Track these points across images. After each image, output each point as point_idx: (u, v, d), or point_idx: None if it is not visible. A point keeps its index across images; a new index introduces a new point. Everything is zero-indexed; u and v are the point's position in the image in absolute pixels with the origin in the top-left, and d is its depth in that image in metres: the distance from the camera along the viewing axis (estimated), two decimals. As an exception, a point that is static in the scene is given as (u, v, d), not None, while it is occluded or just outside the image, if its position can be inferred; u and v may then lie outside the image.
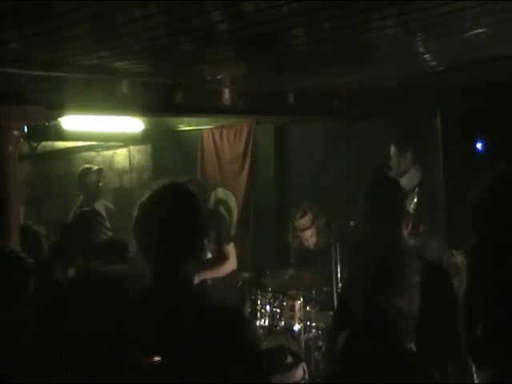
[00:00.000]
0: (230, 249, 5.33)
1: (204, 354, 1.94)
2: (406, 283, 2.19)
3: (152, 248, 2.08)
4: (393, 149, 5.74)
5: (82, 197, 6.79)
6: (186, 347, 1.95)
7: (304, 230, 5.79)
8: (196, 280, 4.81)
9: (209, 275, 5.12)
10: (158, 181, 2.21)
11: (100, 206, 6.67)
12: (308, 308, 5.37)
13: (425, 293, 2.22)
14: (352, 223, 5.26)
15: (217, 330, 1.99)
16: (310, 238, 5.82)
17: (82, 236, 3.42)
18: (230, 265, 5.34)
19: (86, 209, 5.75)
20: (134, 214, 2.13)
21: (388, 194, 3.10)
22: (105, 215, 5.86)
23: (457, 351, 2.40)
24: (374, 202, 3.06)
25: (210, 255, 5.19)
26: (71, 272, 3.34)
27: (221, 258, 5.25)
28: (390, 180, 3.34)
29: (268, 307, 5.46)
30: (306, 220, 5.77)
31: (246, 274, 5.93)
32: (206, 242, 2.17)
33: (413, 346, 2.18)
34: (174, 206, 2.10)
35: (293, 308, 5.40)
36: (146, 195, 2.15)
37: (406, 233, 3.01)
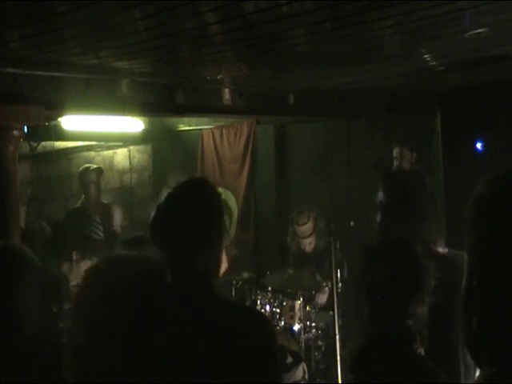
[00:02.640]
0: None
1: (220, 352, 1.94)
2: (425, 290, 2.18)
3: (171, 242, 2.07)
4: (396, 149, 5.74)
5: (83, 196, 6.79)
6: (204, 344, 1.96)
7: (305, 237, 5.78)
8: None
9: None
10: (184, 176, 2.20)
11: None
12: (308, 308, 5.37)
13: (438, 296, 2.21)
14: (352, 223, 5.26)
15: (234, 329, 1.99)
16: (309, 244, 5.81)
17: (74, 232, 3.43)
18: (222, 266, 5.34)
19: (76, 206, 5.74)
20: (156, 210, 2.12)
21: (414, 191, 3.05)
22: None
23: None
24: (398, 201, 3.00)
25: None
26: (66, 267, 3.34)
27: None
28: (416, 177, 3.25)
29: (268, 307, 5.46)
30: (307, 227, 5.75)
31: (245, 274, 5.94)
32: (225, 236, 2.17)
33: (422, 351, 2.16)
34: (193, 200, 2.10)
35: (293, 308, 5.40)
36: (171, 189, 2.14)
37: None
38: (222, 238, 2.13)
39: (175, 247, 2.06)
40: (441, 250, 3.05)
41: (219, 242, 2.12)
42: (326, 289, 5.48)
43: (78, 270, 3.39)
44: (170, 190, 2.14)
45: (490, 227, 1.17)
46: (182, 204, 2.10)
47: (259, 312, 3.55)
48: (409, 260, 2.20)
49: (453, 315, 2.22)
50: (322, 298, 5.50)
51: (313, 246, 5.81)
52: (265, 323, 2.13)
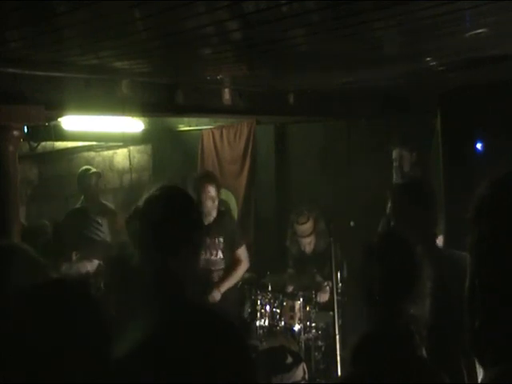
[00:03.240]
0: (243, 251, 5.35)
1: (194, 356, 1.93)
2: (422, 290, 2.17)
3: (144, 247, 2.08)
4: (396, 150, 5.74)
5: (82, 197, 6.79)
6: (177, 349, 1.95)
7: (305, 236, 5.78)
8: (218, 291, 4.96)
9: (230, 284, 5.18)
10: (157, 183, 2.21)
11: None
12: (308, 308, 5.37)
13: (437, 297, 2.20)
14: (352, 223, 5.26)
15: (207, 333, 1.98)
16: (309, 244, 5.81)
17: (74, 233, 3.42)
18: (244, 266, 5.38)
19: (77, 207, 5.74)
20: (128, 214, 2.14)
21: (420, 194, 3.10)
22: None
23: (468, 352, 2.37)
24: (404, 202, 3.05)
25: (221, 255, 5.20)
26: (66, 267, 3.33)
27: (234, 262, 5.28)
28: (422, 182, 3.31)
29: (268, 307, 5.46)
30: (307, 226, 5.74)
31: (245, 274, 5.93)
32: (201, 244, 2.19)
33: (423, 352, 2.16)
34: (166, 207, 2.10)
35: (293, 308, 5.40)
36: (144, 197, 2.15)
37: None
38: (194, 248, 2.13)
39: (149, 251, 2.07)
40: (442, 249, 3.06)
41: (191, 251, 2.11)
42: (327, 288, 5.49)
43: (77, 270, 3.39)
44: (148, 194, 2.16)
45: (492, 228, 1.18)
46: (155, 210, 2.09)
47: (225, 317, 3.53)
48: (406, 259, 2.20)
49: (454, 316, 2.22)
50: (323, 297, 5.51)
51: (312, 246, 5.81)
52: (232, 327, 2.12)
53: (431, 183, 3.23)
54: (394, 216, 3.12)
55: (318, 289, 5.55)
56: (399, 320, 2.13)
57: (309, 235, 5.75)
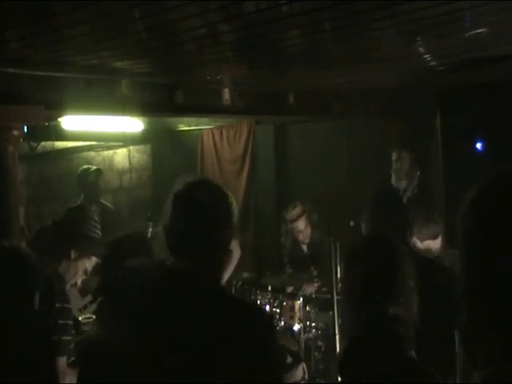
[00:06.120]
0: (235, 244, 5.46)
1: (227, 348, 1.95)
2: (397, 289, 2.15)
3: (184, 241, 2.11)
4: (396, 151, 5.75)
5: (82, 196, 6.79)
6: (210, 341, 1.96)
7: (296, 220, 5.81)
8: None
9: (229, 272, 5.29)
10: (189, 176, 2.25)
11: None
12: (308, 308, 5.37)
13: (424, 295, 2.20)
14: (352, 223, 5.26)
15: (242, 326, 2.00)
16: (304, 229, 5.83)
17: (72, 231, 3.41)
18: (237, 255, 5.48)
19: (73, 205, 5.76)
20: (170, 204, 2.15)
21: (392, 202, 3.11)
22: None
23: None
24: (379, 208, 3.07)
25: None
26: (64, 265, 3.32)
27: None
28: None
29: (268, 307, 5.46)
30: (295, 212, 5.83)
31: (245, 274, 5.94)
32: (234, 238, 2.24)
33: (413, 353, 2.14)
34: (209, 200, 2.14)
35: (292, 308, 5.40)
36: (182, 188, 2.16)
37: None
38: (231, 238, 2.22)
39: (188, 251, 2.11)
40: (434, 250, 3.05)
41: (229, 241, 2.22)
42: (315, 284, 5.56)
43: (76, 268, 3.39)
44: (179, 190, 2.17)
45: (476, 228, 1.18)
46: (197, 206, 2.13)
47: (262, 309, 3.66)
48: (387, 260, 2.19)
49: (446, 317, 2.22)
50: (308, 290, 5.57)
51: (308, 232, 5.84)
52: (268, 320, 2.16)
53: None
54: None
55: (307, 281, 5.62)
56: (385, 321, 2.11)
57: (299, 217, 5.78)
